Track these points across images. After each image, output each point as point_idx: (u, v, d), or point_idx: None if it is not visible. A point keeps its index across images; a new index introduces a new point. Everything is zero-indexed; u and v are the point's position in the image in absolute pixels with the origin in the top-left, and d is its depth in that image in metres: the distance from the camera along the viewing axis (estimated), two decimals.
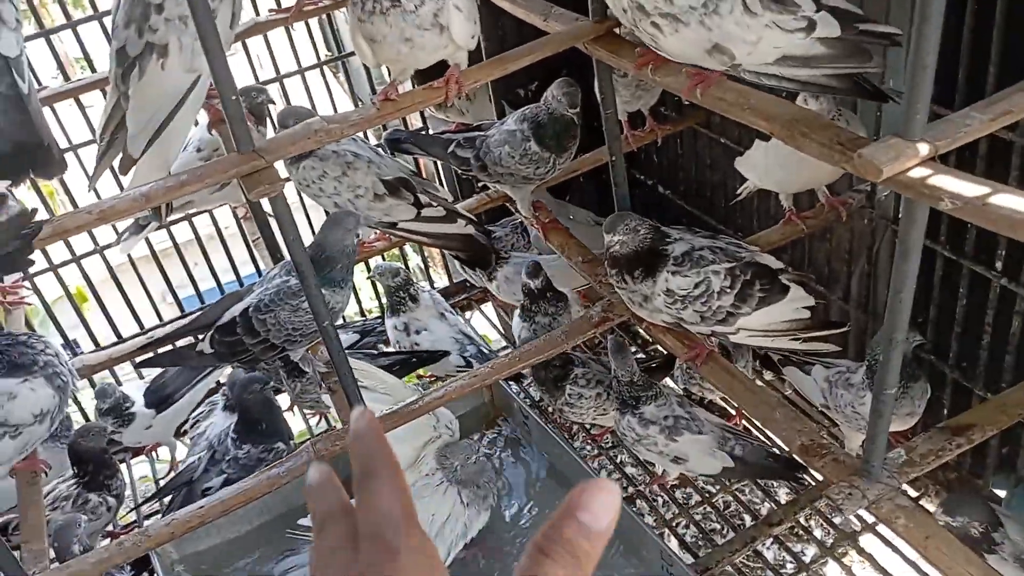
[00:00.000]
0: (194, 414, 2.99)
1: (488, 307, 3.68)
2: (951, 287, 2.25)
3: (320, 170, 2.37)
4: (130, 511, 3.04)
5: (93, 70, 3.25)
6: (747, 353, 2.49)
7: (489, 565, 2.41)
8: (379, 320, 3.23)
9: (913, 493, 2.49)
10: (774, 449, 2.55)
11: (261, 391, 2.50)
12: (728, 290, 1.92)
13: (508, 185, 2.62)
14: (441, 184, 3.86)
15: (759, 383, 2.40)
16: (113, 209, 1.63)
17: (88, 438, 2.56)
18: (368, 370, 2.30)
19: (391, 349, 3.02)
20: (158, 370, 3.04)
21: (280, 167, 1.87)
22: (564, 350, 2.31)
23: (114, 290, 3.50)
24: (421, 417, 2.33)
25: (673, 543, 2.61)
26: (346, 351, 2.02)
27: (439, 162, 3.80)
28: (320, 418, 3.33)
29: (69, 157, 2.76)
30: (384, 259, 3.93)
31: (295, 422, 3.19)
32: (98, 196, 2.54)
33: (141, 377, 3.36)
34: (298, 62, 3.37)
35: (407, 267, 3.55)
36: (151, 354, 2.48)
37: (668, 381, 2.82)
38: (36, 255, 3.21)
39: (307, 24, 3.33)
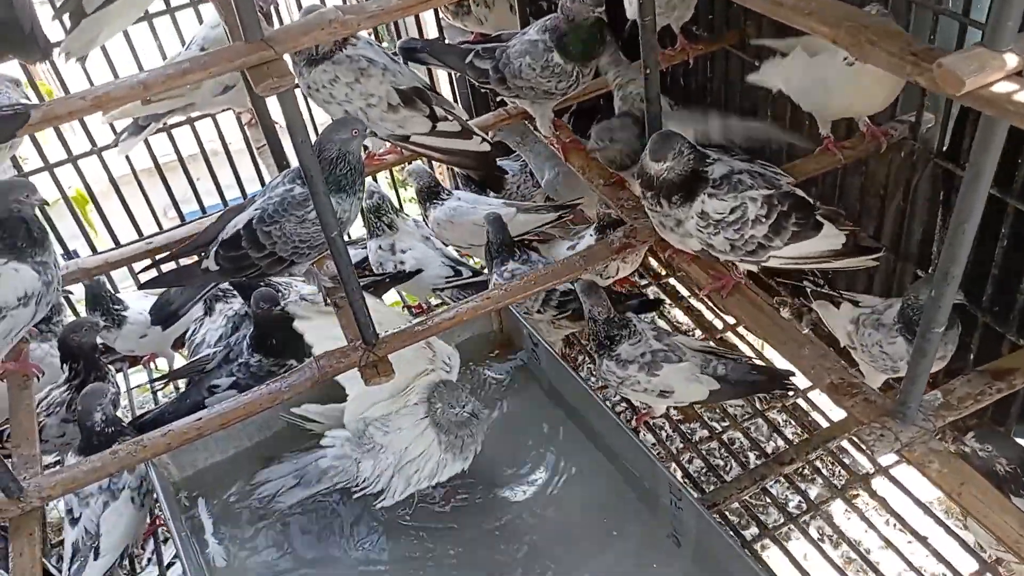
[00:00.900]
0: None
1: None
2: (991, 228, 2.13)
3: (332, 74, 2.22)
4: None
5: None
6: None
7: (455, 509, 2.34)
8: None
9: None
10: (757, 361, 2.49)
11: (270, 309, 2.40)
12: (763, 219, 1.81)
13: (528, 100, 2.48)
14: (456, 100, 3.71)
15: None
16: (108, 96, 1.50)
17: (80, 333, 2.46)
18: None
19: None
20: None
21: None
22: (581, 275, 2.20)
23: (115, 201, 3.39)
24: (419, 346, 2.25)
25: (679, 477, 2.56)
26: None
27: (454, 76, 3.66)
28: None
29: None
30: (393, 174, 3.82)
31: None
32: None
33: (139, 287, 3.27)
34: None
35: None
36: (154, 274, 2.38)
37: None
38: (32, 154, 3.09)
39: None
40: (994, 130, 1.15)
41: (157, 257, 2.45)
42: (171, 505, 2.32)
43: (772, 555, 2.46)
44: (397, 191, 3.89)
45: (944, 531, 2.26)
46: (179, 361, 3.10)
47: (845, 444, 2.58)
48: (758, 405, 2.79)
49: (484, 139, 2.37)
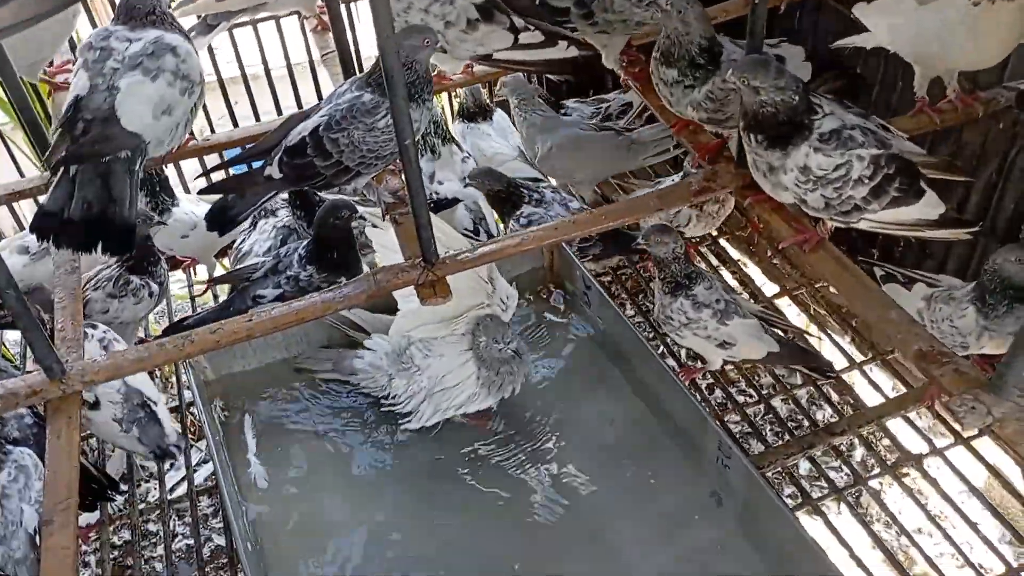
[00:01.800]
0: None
1: None
2: None
3: (406, 2, 2.11)
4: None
5: None
6: None
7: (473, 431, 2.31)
8: None
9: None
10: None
11: (348, 219, 2.33)
12: (866, 180, 1.70)
13: (608, 34, 2.35)
14: None
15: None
16: None
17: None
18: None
19: None
20: None
21: None
22: (653, 214, 2.10)
23: None
24: (481, 279, 2.19)
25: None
26: None
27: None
28: None
29: None
30: (456, 94, 3.63)
31: None
32: None
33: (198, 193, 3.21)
34: None
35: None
36: (212, 182, 2.30)
37: None
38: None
39: None
40: None
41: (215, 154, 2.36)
42: (207, 408, 2.30)
43: (811, 526, 2.39)
44: (448, 118, 3.65)
45: (993, 516, 2.19)
46: (219, 271, 3.04)
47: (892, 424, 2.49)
48: (797, 379, 2.71)
49: (572, 41, 2.25)
